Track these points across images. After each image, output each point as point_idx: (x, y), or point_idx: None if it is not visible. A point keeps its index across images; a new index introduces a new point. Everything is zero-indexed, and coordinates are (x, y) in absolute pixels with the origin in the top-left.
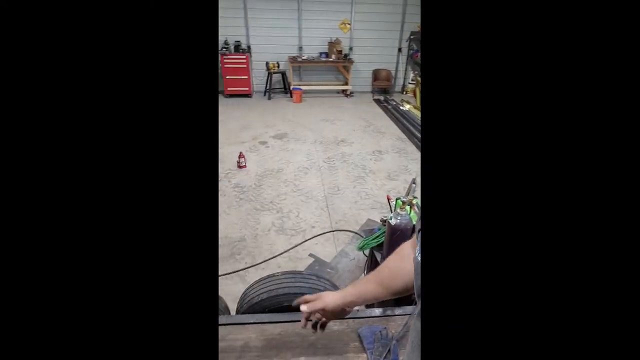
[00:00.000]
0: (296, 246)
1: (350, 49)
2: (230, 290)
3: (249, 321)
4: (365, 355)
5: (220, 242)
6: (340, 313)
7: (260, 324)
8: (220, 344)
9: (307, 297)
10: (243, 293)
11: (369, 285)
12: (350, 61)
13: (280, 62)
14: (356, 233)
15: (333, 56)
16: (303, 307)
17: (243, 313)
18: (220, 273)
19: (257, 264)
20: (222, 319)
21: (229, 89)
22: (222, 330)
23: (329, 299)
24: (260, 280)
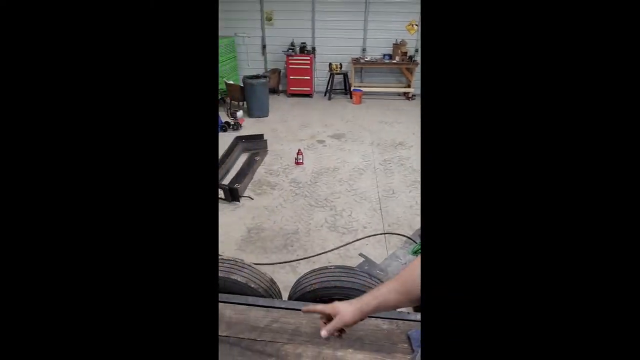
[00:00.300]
0: (347, 244)
1: (416, 50)
2: (282, 279)
3: (301, 307)
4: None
5: (275, 233)
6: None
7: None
8: (273, 325)
9: (319, 308)
10: (296, 281)
11: (390, 295)
12: (415, 63)
13: (342, 64)
14: (409, 238)
15: (397, 58)
16: (323, 333)
17: (295, 300)
18: (273, 261)
19: (308, 257)
20: (275, 303)
21: (291, 88)
22: (275, 313)
23: (348, 316)
24: (313, 271)
